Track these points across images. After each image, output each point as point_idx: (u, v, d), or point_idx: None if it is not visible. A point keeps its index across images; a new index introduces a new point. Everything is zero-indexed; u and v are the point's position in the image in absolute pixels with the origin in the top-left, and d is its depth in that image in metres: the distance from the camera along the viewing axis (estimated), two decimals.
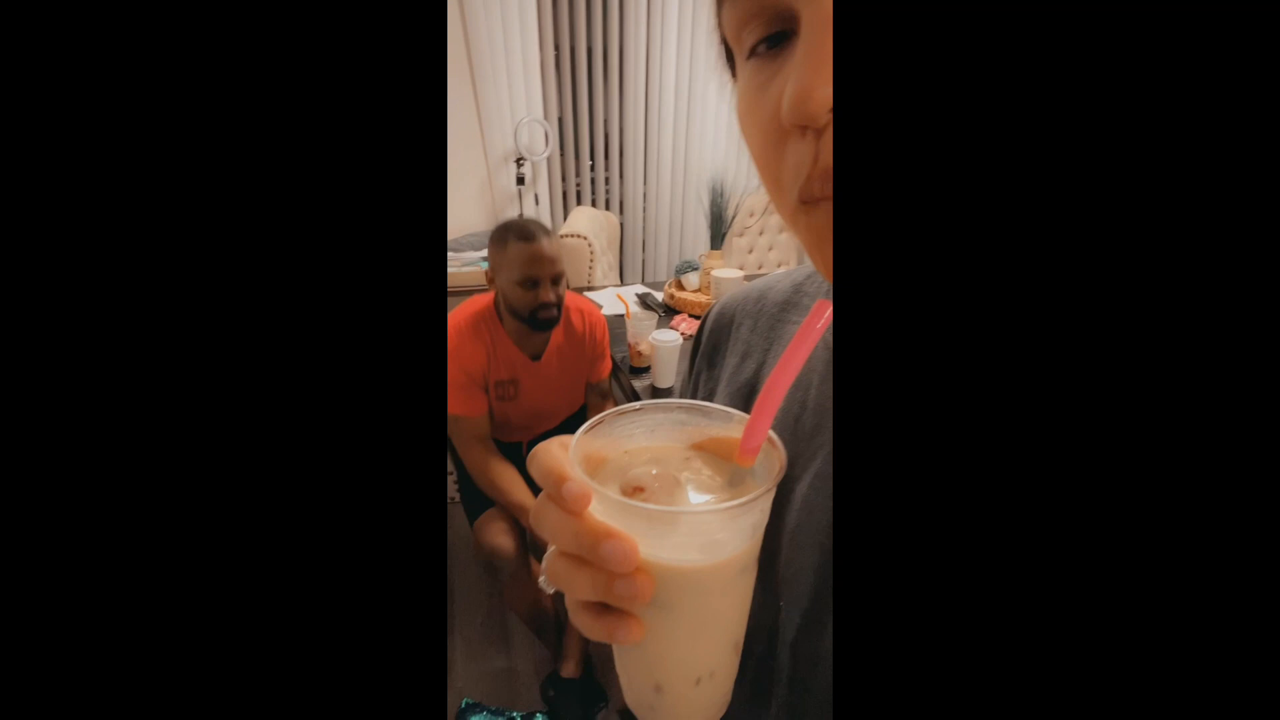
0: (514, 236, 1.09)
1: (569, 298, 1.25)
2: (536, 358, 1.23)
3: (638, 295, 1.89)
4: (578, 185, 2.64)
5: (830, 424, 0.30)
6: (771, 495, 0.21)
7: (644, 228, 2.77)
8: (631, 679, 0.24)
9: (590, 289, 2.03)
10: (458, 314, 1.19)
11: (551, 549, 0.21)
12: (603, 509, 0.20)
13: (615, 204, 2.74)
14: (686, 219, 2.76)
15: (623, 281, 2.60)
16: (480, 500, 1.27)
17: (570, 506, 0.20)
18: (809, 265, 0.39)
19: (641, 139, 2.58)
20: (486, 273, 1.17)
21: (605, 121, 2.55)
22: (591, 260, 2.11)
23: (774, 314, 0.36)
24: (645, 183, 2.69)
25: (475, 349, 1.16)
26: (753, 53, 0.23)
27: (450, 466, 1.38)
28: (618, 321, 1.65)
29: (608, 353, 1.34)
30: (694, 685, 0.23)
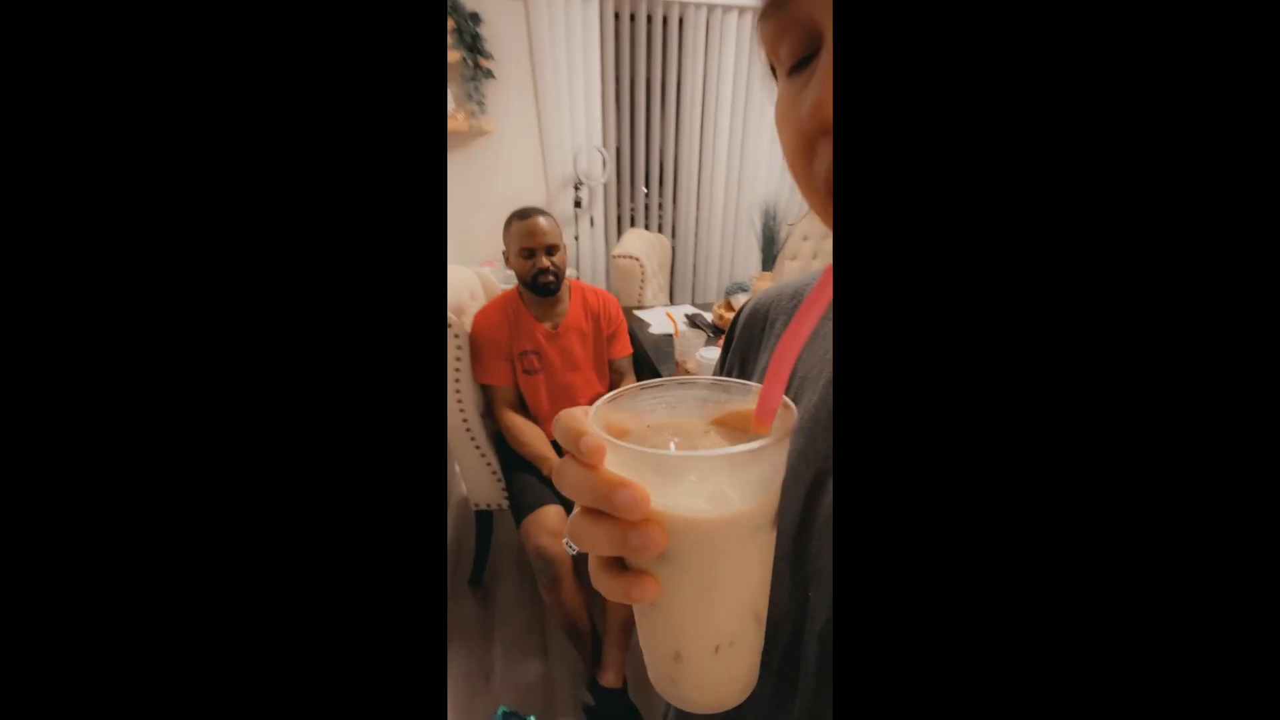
0: (515, 218, 1.37)
1: (580, 285, 1.47)
2: (555, 328, 1.42)
3: (687, 315, 1.91)
4: (632, 209, 2.72)
5: None
6: (783, 449, 0.22)
7: (695, 251, 2.81)
8: (653, 649, 0.24)
9: (640, 308, 2.08)
10: (486, 305, 1.43)
11: (574, 512, 0.22)
12: (617, 461, 0.21)
13: (668, 227, 2.81)
14: (738, 243, 2.78)
15: (672, 302, 2.64)
16: (528, 502, 1.31)
17: (587, 459, 0.21)
18: None
19: (695, 165, 2.64)
20: (504, 253, 1.42)
21: (661, 149, 2.63)
22: (643, 280, 2.16)
23: None
24: (698, 208, 2.74)
25: (500, 324, 1.40)
26: (790, 71, 0.25)
27: (499, 474, 1.43)
28: (666, 340, 1.68)
29: (624, 331, 1.52)
30: (713, 654, 0.23)
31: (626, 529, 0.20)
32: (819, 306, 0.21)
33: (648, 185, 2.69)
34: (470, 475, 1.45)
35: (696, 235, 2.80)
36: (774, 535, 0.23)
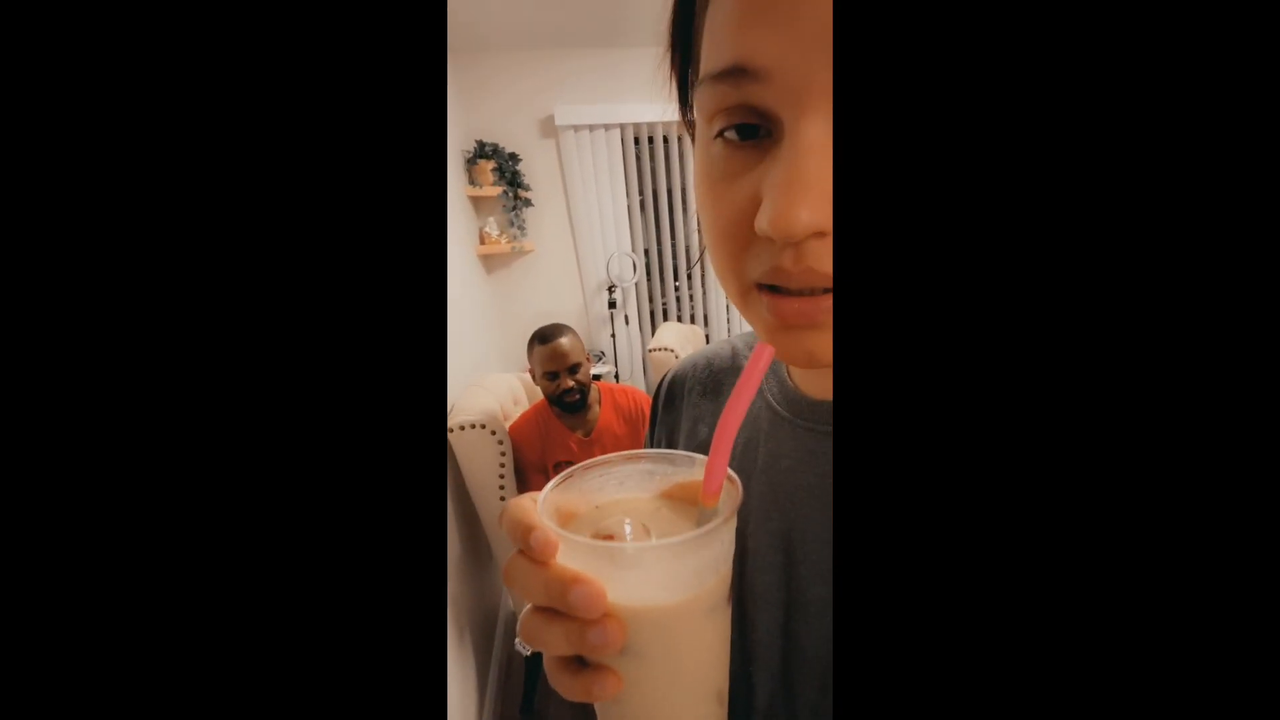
0: (537, 341, 1.42)
1: (609, 388, 1.52)
2: (587, 435, 1.46)
3: None
4: (664, 304, 2.86)
5: (783, 490, 0.31)
6: (731, 526, 0.22)
7: (729, 334, 2.88)
8: None
9: None
10: (520, 416, 1.49)
11: (525, 609, 0.21)
12: (569, 555, 0.20)
13: (700, 317, 2.91)
14: None
15: None
16: None
17: (538, 555, 0.20)
18: (748, 332, 0.40)
19: None
20: (530, 370, 1.48)
21: (688, 248, 2.81)
22: None
23: (720, 379, 0.39)
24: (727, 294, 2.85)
25: (532, 439, 1.43)
26: (720, 134, 0.23)
27: None
28: None
29: None
30: None
31: (584, 627, 0.19)
32: (753, 383, 0.21)
33: (677, 279, 2.84)
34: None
35: (729, 321, 2.88)
36: (729, 611, 0.23)
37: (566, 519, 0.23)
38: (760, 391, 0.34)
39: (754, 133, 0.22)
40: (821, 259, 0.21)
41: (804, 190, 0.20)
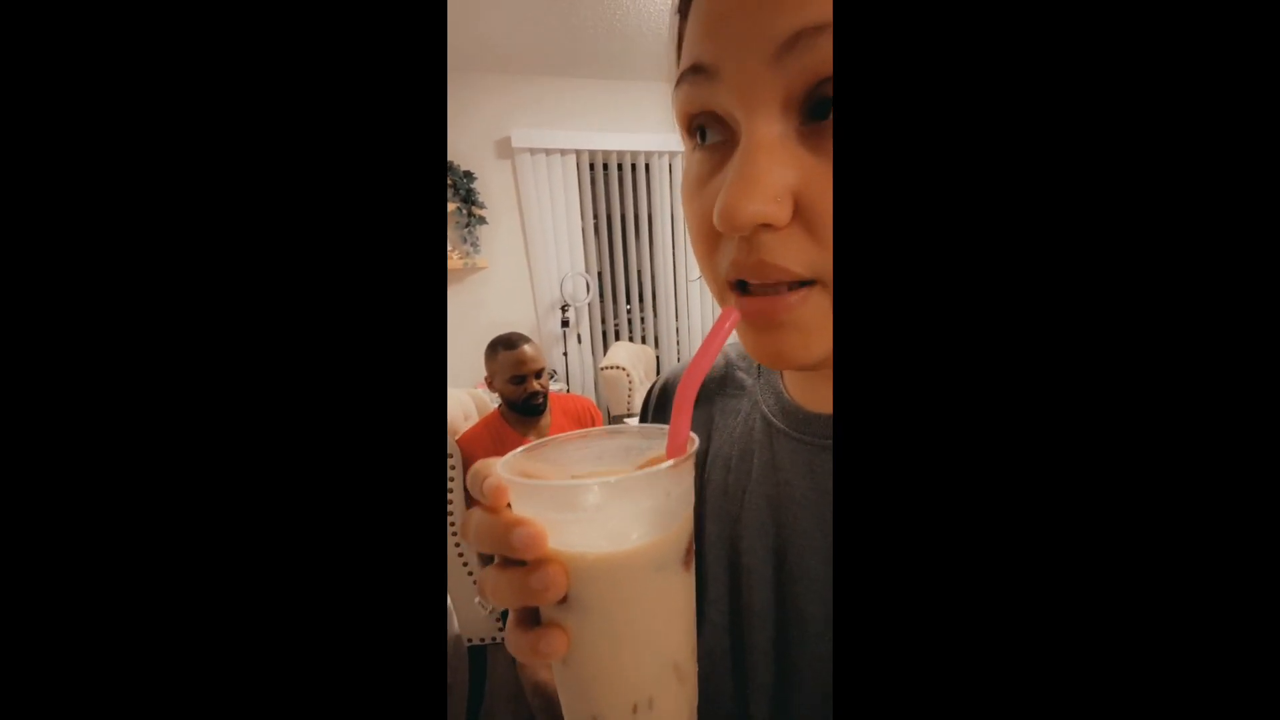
0: (502, 347, 1.45)
1: (556, 396, 1.56)
2: None
3: None
4: (616, 325, 2.92)
5: (778, 504, 0.31)
6: (682, 480, 0.21)
7: (679, 357, 2.98)
8: (571, 718, 0.23)
9: (630, 415, 2.16)
10: (471, 428, 1.49)
11: (488, 566, 0.22)
12: (518, 502, 0.20)
13: (651, 338, 2.99)
14: None
15: None
16: None
17: (489, 500, 0.20)
18: (737, 341, 0.40)
19: (671, 283, 2.89)
20: (487, 377, 1.48)
21: (640, 271, 2.90)
22: (630, 389, 2.27)
23: (712, 389, 0.38)
24: (677, 319, 2.95)
25: (483, 450, 1.43)
26: (697, 145, 0.25)
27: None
28: None
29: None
30: (631, 714, 0.21)
31: (527, 572, 0.19)
32: (715, 345, 0.22)
33: (629, 302, 2.92)
34: (463, 607, 1.41)
35: (679, 344, 2.97)
36: (689, 579, 0.23)
37: None
38: (755, 402, 0.35)
39: (719, 137, 0.24)
40: (773, 252, 0.22)
41: (750, 184, 0.20)
